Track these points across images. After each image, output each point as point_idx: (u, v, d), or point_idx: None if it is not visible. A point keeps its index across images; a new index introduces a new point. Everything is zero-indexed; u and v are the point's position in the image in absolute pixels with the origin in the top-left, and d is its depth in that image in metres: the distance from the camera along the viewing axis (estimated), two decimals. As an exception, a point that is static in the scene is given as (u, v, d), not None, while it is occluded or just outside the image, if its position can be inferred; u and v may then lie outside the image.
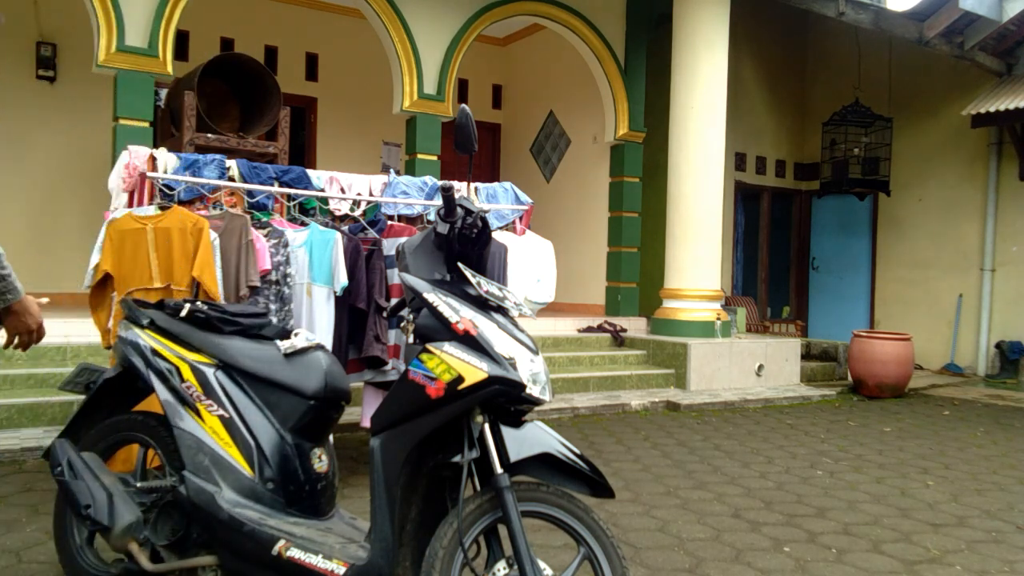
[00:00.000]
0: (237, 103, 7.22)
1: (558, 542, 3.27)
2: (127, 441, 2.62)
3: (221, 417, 2.37)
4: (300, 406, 2.40)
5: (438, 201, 4.67)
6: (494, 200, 4.95)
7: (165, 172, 4.08)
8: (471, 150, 2.23)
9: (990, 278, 9.72)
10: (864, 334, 8.27)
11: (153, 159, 4.09)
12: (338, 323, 4.15)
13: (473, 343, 2.01)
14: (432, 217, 4.50)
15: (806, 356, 9.32)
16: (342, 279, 4.06)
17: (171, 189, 4.07)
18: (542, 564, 2.00)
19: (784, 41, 11.43)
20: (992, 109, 8.88)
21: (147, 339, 2.50)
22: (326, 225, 4.33)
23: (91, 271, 3.76)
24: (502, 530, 2.02)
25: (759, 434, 5.91)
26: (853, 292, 11.30)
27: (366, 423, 4.45)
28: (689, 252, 8.20)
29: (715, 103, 8.14)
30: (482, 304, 2.12)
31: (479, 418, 2.02)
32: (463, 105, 2.25)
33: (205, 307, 2.53)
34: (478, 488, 2.05)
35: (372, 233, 4.45)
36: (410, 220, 4.79)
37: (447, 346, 2.02)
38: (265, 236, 4.01)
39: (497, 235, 4.69)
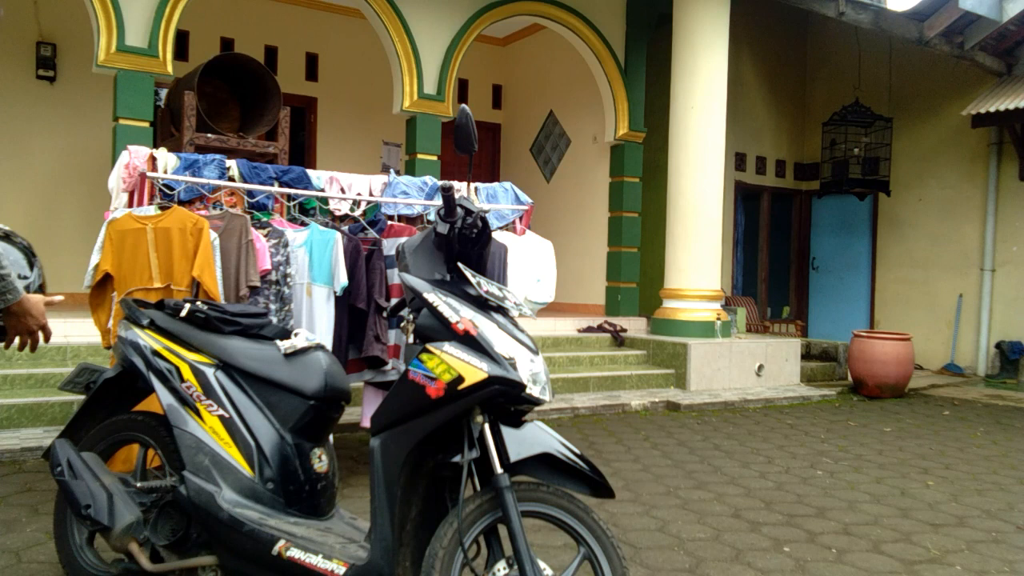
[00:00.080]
0: (237, 103, 7.22)
1: (558, 542, 3.27)
2: (127, 441, 2.61)
3: (221, 417, 2.37)
4: (300, 406, 2.40)
5: (438, 201, 4.67)
6: (494, 200, 4.95)
7: (165, 172, 4.08)
8: (471, 150, 2.23)
9: (990, 278, 9.72)
10: (864, 334, 8.27)
11: (153, 159, 4.09)
12: (338, 323, 4.15)
13: (473, 343, 2.01)
14: (432, 217, 4.50)
15: (806, 356, 9.32)
16: (342, 279, 4.06)
17: (171, 189, 4.07)
18: (542, 564, 2.00)
19: (784, 41, 11.43)
20: (992, 109, 8.88)
21: (147, 339, 2.50)
22: (326, 225, 4.33)
23: (91, 271, 3.76)
24: (502, 530, 2.02)
25: (759, 434, 5.91)
26: (853, 292, 11.31)
27: (366, 423, 4.45)
28: (689, 252, 8.20)
29: (715, 103, 8.14)
30: (482, 304, 2.12)
31: (479, 418, 2.02)
32: (463, 105, 2.25)
33: (205, 307, 2.53)
34: (478, 488, 2.05)
35: (372, 233, 4.45)
36: (410, 220, 4.79)
37: (447, 346, 2.02)
38: (265, 236, 4.01)
39: (497, 235, 4.69)
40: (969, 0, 8.35)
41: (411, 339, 2.12)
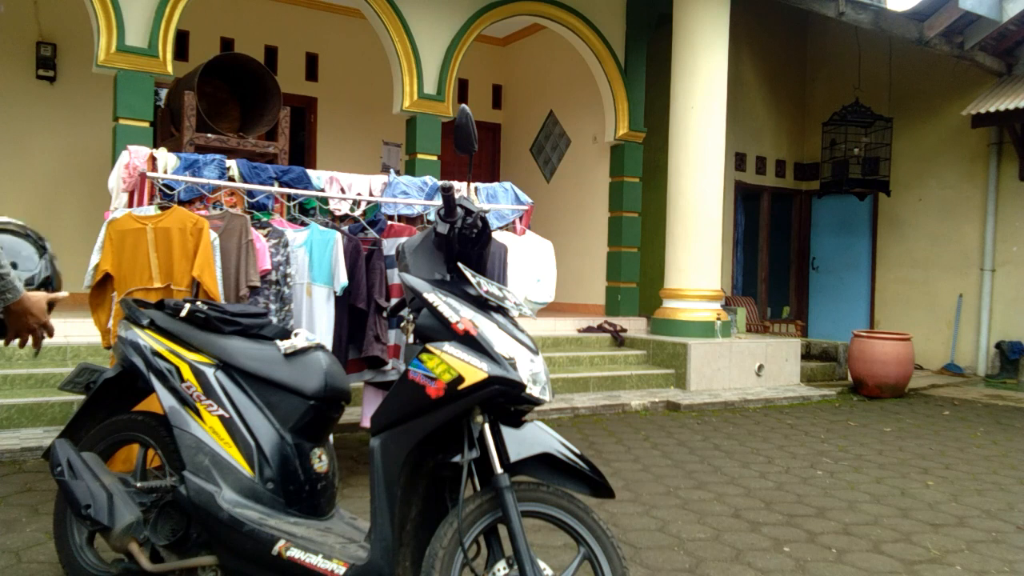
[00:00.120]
0: (237, 103, 7.23)
1: (558, 542, 3.27)
2: (127, 441, 2.61)
3: (221, 417, 2.37)
4: (300, 406, 2.40)
5: (438, 201, 4.67)
6: (494, 200, 4.95)
7: (165, 172, 4.08)
8: (471, 150, 2.23)
9: (990, 278, 9.72)
10: (864, 334, 8.27)
11: (153, 159, 4.09)
12: (338, 323, 4.15)
13: (473, 343, 2.01)
14: (432, 217, 4.50)
15: (806, 356, 9.32)
16: (342, 279, 4.06)
17: (171, 189, 4.07)
18: (542, 564, 2.00)
19: (784, 41, 11.43)
20: (992, 109, 8.88)
21: (147, 339, 2.50)
22: (326, 225, 4.33)
23: (91, 271, 3.76)
24: (502, 530, 2.02)
25: (759, 434, 5.91)
26: (853, 292, 11.31)
27: (366, 423, 4.45)
28: (689, 252, 8.20)
29: (715, 103, 8.14)
30: (482, 304, 2.13)
31: (479, 418, 2.02)
32: (463, 105, 2.25)
33: (205, 307, 2.53)
34: (478, 488, 2.05)
35: (372, 233, 4.45)
36: (410, 220, 4.79)
37: (447, 346, 2.02)
38: (265, 236, 4.01)
39: (497, 235, 4.69)
40: (969, 0, 8.35)
41: (411, 339, 2.12)
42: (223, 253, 3.80)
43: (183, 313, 2.52)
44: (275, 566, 2.17)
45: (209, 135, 6.42)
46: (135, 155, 4.07)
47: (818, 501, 4.14)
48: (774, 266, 11.58)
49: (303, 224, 4.30)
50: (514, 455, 2.00)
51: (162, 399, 2.40)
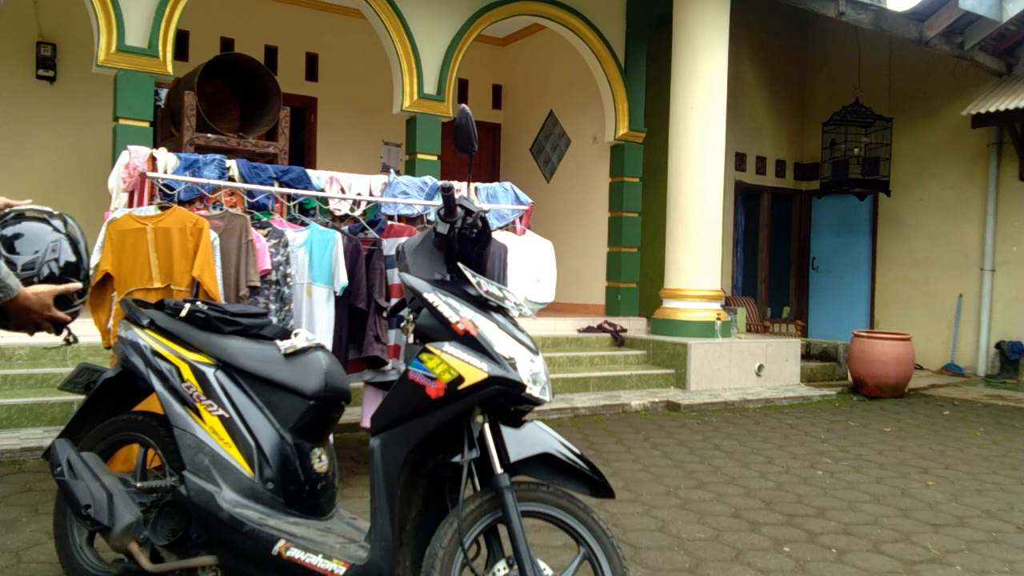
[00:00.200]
0: (237, 103, 7.23)
1: (558, 542, 3.27)
2: (127, 441, 2.61)
3: (221, 417, 2.37)
4: (300, 406, 2.40)
5: (438, 201, 4.67)
6: (494, 200, 4.95)
7: (165, 172, 4.08)
8: (471, 150, 2.23)
9: (990, 278, 9.72)
10: (864, 334, 8.27)
11: (153, 159, 4.09)
12: (338, 323, 4.15)
13: (473, 343, 2.01)
14: (432, 217, 4.50)
15: (806, 356, 9.32)
16: (342, 279, 4.06)
17: (171, 189, 4.07)
18: (542, 564, 2.00)
19: (784, 41, 11.43)
20: (992, 109, 8.89)
21: (147, 339, 2.50)
22: (326, 225, 4.33)
23: (91, 271, 3.76)
24: (502, 530, 2.02)
25: (759, 434, 5.91)
26: (853, 292, 11.30)
27: (366, 423, 4.45)
28: (689, 252, 8.20)
29: (715, 103, 8.14)
30: (482, 304, 2.12)
31: (479, 418, 2.02)
32: (463, 105, 2.25)
33: (205, 307, 2.52)
34: (478, 488, 2.05)
35: (372, 233, 4.45)
36: (410, 220, 4.79)
37: (447, 346, 2.02)
38: (265, 236, 4.01)
39: (497, 235, 4.69)
40: (969, 0, 8.35)
41: (411, 339, 2.12)
42: (223, 253, 3.80)
43: (183, 313, 2.52)
44: (275, 566, 2.17)
45: (209, 135, 6.42)
46: (135, 155, 4.07)
47: (818, 501, 4.14)
48: (774, 266, 11.58)
49: (303, 224, 4.30)
50: (514, 455, 2.00)
51: (162, 399, 2.40)
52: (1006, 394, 8.41)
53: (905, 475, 4.76)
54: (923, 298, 10.46)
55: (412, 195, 4.74)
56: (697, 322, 8.10)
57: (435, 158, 8.09)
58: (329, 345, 4.03)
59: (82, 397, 2.69)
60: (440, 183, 2.58)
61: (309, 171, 4.56)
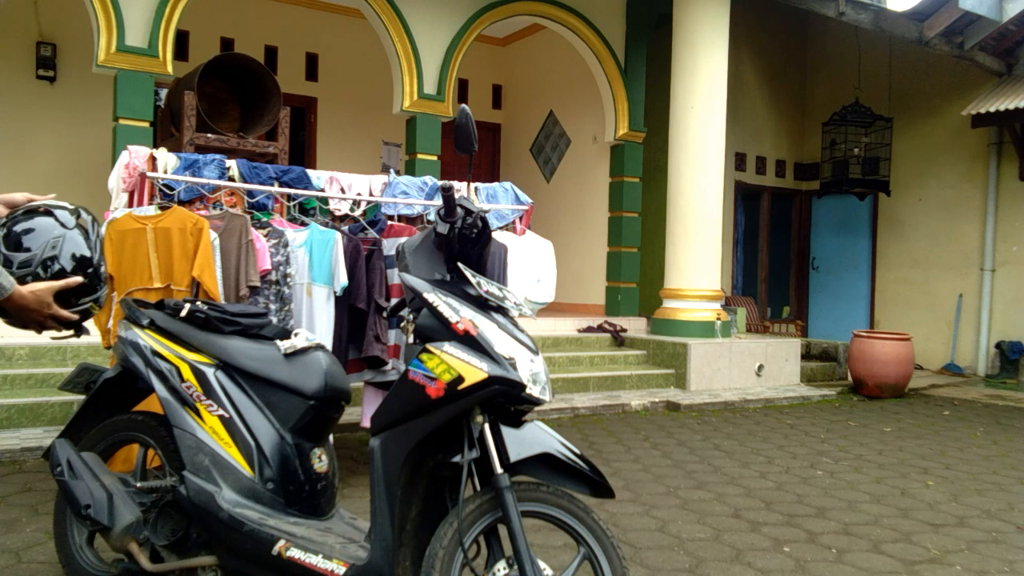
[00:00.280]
0: (237, 103, 7.23)
1: (558, 542, 3.27)
2: (127, 441, 2.61)
3: (221, 417, 2.37)
4: (300, 406, 2.40)
5: (438, 201, 4.67)
6: (494, 200, 4.95)
7: (165, 172, 4.08)
8: (471, 150, 2.23)
9: (990, 278, 9.72)
10: (864, 334, 8.27)
11: (153, 159, 4.09)
12: (338, 323, 4.15)
13: (473, 343, 2.01)
14: (432, 217, 4.50)
15: (806, 356, 9.32)
16: (342, 279, 4.06)
17: (171, 189, 4.07)
18: (542, 564, 2.00)
19: (784, 41, 11.43)
20: (992, 109, 8.88)
21: (147, 339, 2.50)
22: (326, 225, 4.33)
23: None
24: (502, 530, 2.02)
25: (759, 434, 5.91)
26: (853, 292, 11.30)
27: (366, 423, 4.45)
28: (689, 252, 8.20)
29: (715, 103, 8.14)
30: (482, 304, 2.12)
31: (479, 418, 2.02)
32: (463, 105, 2.25)
33: (205, 307, 2.52)
34: (478, 488, 2.05)
35: (372, 233, 4.45)
36: (410, 220, 4.79)
37: (447, 346, 2.02)
38: (265, 236, 4.01)
39: (497, 235, 4.69)
40: (969, 0, 8.35)
41: (411, 339, 2.12)
42: (223, 253, 3.80)
43: (183, 313, 2.52)
44: (275, 566, 2.17)
45: (209, 135, 6.42)
46: (135, 155, 4.07)
47: (818, 501, 4.14)
48: (774, 266, 11.58)
49: (303, 224, 4.30)
50: (514, 455, 2.00)
51: (162, 399, 2.40)
52: (1006, 394, 8.41)
53: (905, 475, 4.76)
54: (923, 298, 10.46)
55: (412, 195, 4.74)
56: (697, 322, 8.10)
57: (435, 158, 8.09)
58: (329, 345, 4.03)
59: (82, 397, 2.69)
60: (440, 183, 2.58)
61: (309, 171, 4.56)
